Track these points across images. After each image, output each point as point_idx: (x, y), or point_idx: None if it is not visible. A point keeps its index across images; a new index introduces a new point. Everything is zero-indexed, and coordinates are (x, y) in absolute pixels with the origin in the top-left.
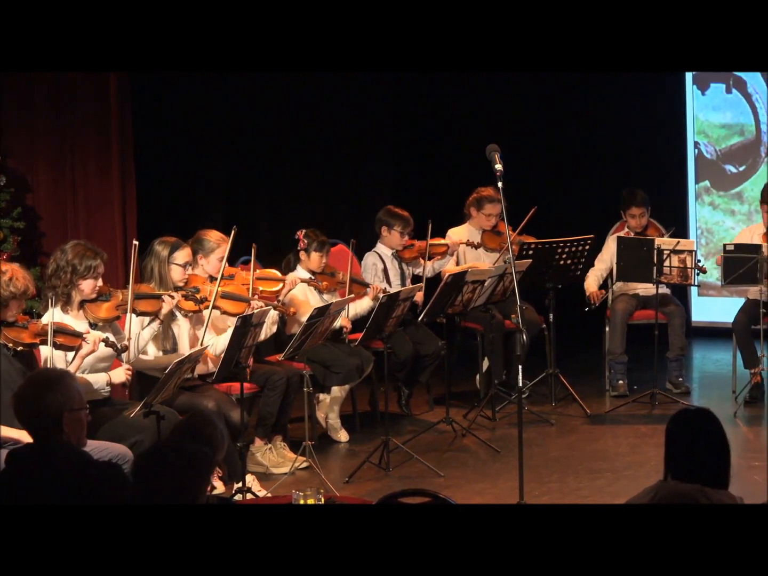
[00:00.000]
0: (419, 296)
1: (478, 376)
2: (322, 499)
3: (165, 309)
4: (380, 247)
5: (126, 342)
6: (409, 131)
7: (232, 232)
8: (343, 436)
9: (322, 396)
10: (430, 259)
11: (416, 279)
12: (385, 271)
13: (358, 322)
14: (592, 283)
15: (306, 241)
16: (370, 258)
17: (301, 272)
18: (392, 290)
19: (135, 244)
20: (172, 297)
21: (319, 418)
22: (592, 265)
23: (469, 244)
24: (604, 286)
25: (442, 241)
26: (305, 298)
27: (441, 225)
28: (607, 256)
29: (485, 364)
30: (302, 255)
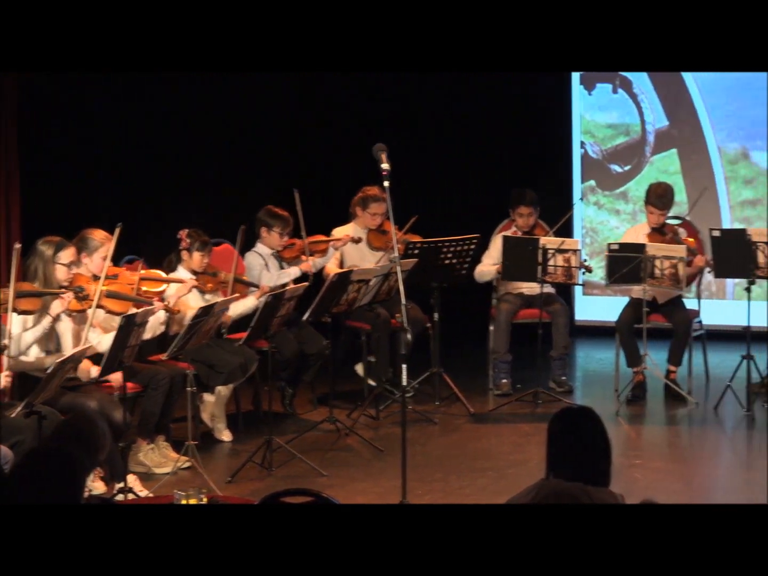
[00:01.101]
0: (306, 266)
1: (360, 366)
2: (205, 499)
3: (58, 308)
4: (260, 247)
5: (6, 341)
6: (297, 131)
7: (116, 230)
8: (226, 435)
9: (206, 396)
10: (311, 255)
11: (299, 279)
12: (267, 270)
13: (243, 322)
14: (486, 265)
15: (188, 241)
16: (250, 257)
17: (182, 272)
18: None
19: (17, 247)
20: (63, 297)
21: (204, 418)
22: (480, 261)
23: (352, 239)
24: (489, 283)
25: (325, 238)
26: (187, 298)
27: (327, 224)
28: (495, 253)
29: (363, 364)
30: (184, 255)
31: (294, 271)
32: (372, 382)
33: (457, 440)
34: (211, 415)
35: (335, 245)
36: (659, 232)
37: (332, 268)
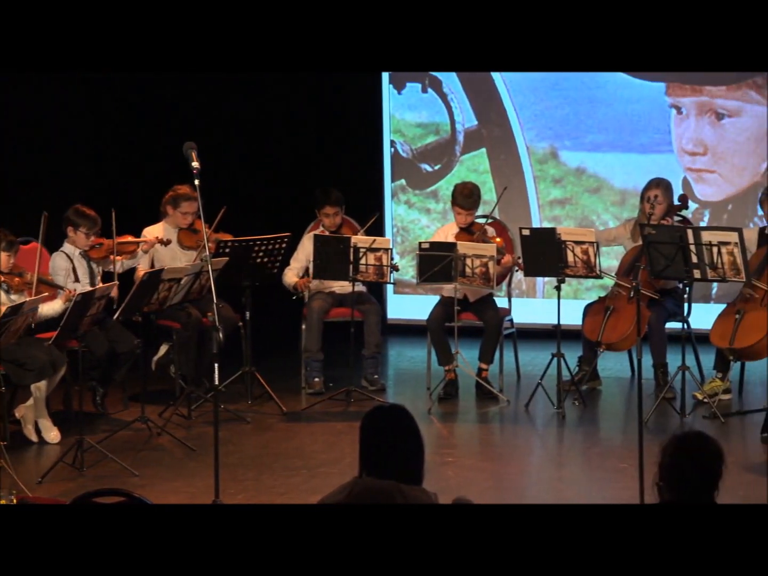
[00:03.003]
0: (114, 292)
1: (155, 358)
2: (14, 500)
3: None
4: (67, 247)
5: None
6: (107, 130)
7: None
8: (54, 436)
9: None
10: (119, 255)
11: (108, 277)
12: (74, 270)
13: (53, 321)
14: (292, 276)
15: None
16: (57, 259)
17: None
18: (82, 290)
19: None
20: None
21: (26, 419)
22: (288, 264)
23: (160, 241)
24: None
25: (133, 239)
26: None
27: (137, 223)
28: (303, 255)
29: (162, 350)
30: None
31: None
32: (182, 382)
33: (269, 439)
34: (24, 417)
35: (143, 248)
36: (467, 231)
37: (144, 268)
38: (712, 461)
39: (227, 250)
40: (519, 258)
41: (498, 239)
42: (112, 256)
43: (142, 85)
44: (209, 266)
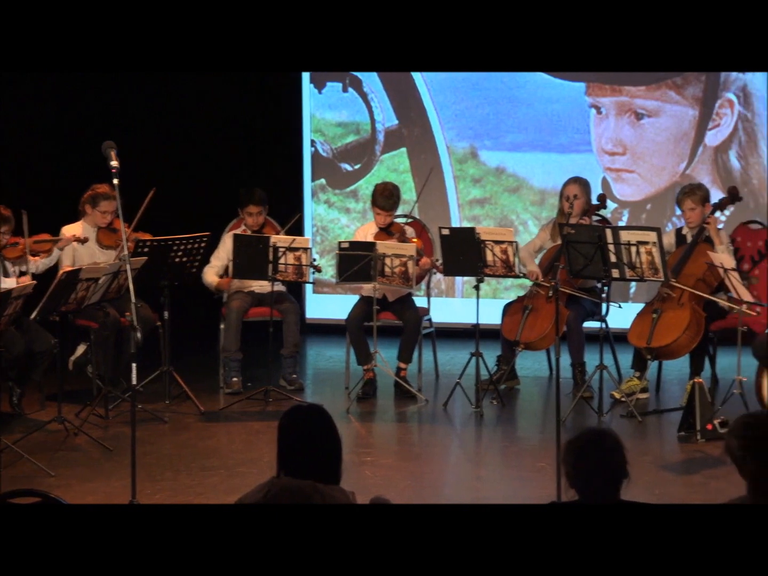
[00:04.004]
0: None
1: (72, 358)
2: None
3: None
4: None
5: None
6: (23, 128)
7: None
8: None
9: None
10: (34, 255)
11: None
12: None
13: None
14: (212, 276)
15: None
16: None
17: None
18: None
19: None
20: None
21: None
22: (208, 262)
23: (77, 239)
24: None
25: (50, 238)
26: None
27: (56, 222)
28: (223, 254)
29: (79, 350)
30: None
31: None
32: (99, 382)
33: (187, 439)
34: None
35: (59, 246)
36: (386, 232)
37: (67, 267)
38: (610, 455)
39: (146, 249)
40: (437, 260)
41: (416, 240)
42: (29, 257)
43: (61, 83)
44: (128, 266)
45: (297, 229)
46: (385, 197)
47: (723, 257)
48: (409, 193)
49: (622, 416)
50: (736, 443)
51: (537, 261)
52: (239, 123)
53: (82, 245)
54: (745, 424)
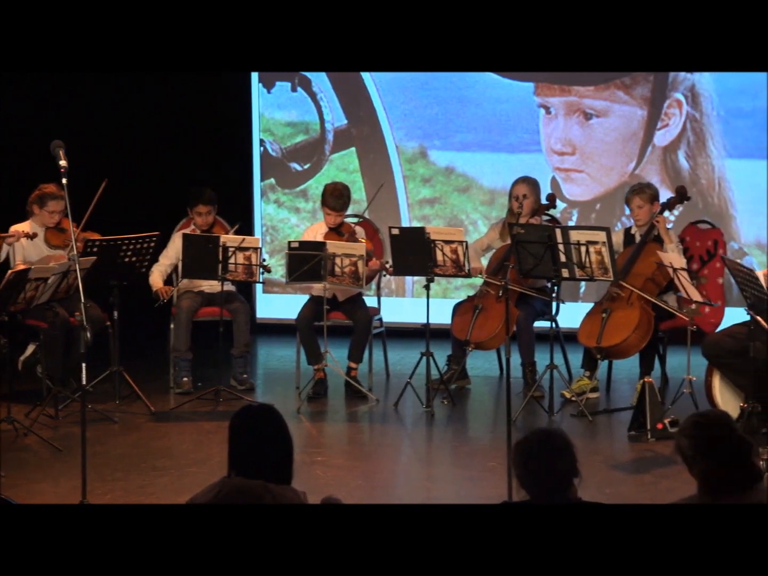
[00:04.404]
0: None
1: (22, 358)
2: None
3: None
4: None
5: None
6: None
7: None
8: None
9: None
10: None
11: None
12: None
13: None
14: (157, 278)
15: None
16: None
17: None
18: None
19: None
20: None
21: None
22: (157, 260)
23: (26, 234)
24: (170, 282)
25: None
26: None
27: (3, 223)
28: (173, 253)
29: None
30: None
31: None
32: (49, 382)
33: (137, 439)
34: None
35: (8, 242)
36: (336, 232)
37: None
38: (559, 455)
39: (95, 249)
40: (387, 262)
41: (367, 242)
42: None
43: (9, 82)
44: (77, 265)
45: (246, 229)
46: (335, 197)
47: (672, 257)
48: (358, 193)
49: (573, 416)
50: (686, 443)
51: (486, 261)
52: (188, 122)
53: (31, 241)
54: (695, 424)
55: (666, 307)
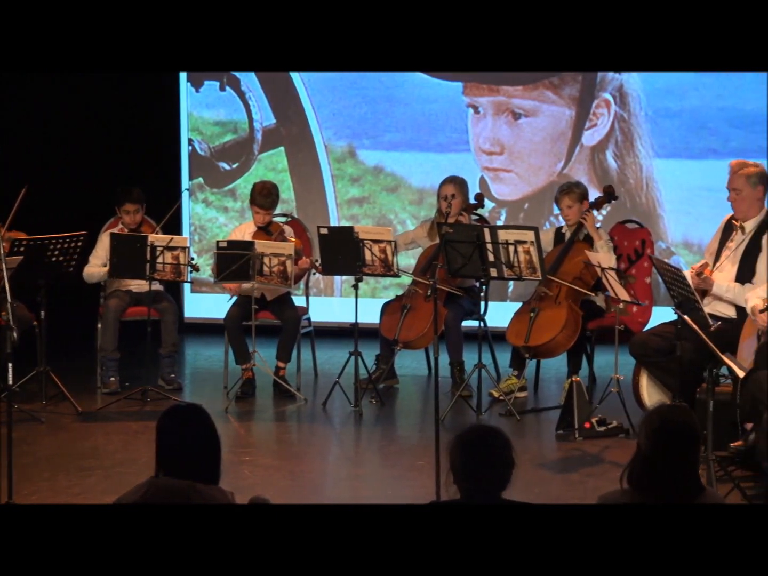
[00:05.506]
0: None
1: None
2: None
3: None
4: None
5: None
6: None
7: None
8: None
9: None
10: None
11: None
12: None
13: None
14: (94, 275)
15: None
16: None
17: None
18: None
19: None
20: None
21: None
22: (87, 262)
23: None
24: (97, 281)
25: None
26: None
27: None
28: (102, 252)
29: None
30: None
31: None
32: None
33: (64, 439)
34: None
35: None
36: (265, 231)
37: None
38: (500, 452)
39: (21, 248)
40: (317, 261)
41: (295, 240)
42: None
43: None
44: (3, 265)
45: (174, 228)
46: (264, 196)
47: (601, 256)
48: (287, 192)
49: (501, 415)
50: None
51: (413, 259)
52: (116, 121)
53: None
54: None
55: (591, 294)
